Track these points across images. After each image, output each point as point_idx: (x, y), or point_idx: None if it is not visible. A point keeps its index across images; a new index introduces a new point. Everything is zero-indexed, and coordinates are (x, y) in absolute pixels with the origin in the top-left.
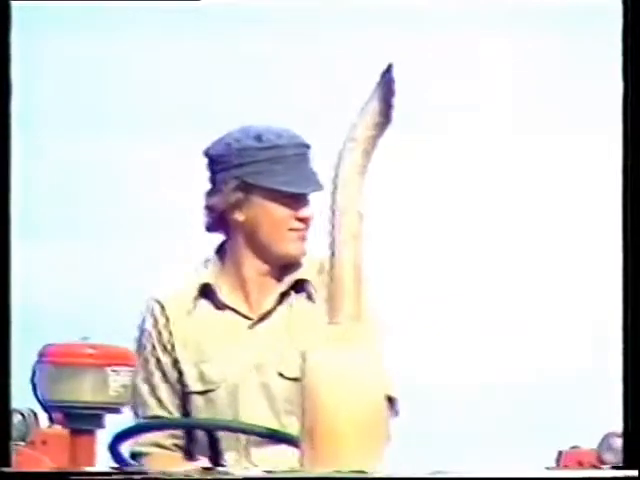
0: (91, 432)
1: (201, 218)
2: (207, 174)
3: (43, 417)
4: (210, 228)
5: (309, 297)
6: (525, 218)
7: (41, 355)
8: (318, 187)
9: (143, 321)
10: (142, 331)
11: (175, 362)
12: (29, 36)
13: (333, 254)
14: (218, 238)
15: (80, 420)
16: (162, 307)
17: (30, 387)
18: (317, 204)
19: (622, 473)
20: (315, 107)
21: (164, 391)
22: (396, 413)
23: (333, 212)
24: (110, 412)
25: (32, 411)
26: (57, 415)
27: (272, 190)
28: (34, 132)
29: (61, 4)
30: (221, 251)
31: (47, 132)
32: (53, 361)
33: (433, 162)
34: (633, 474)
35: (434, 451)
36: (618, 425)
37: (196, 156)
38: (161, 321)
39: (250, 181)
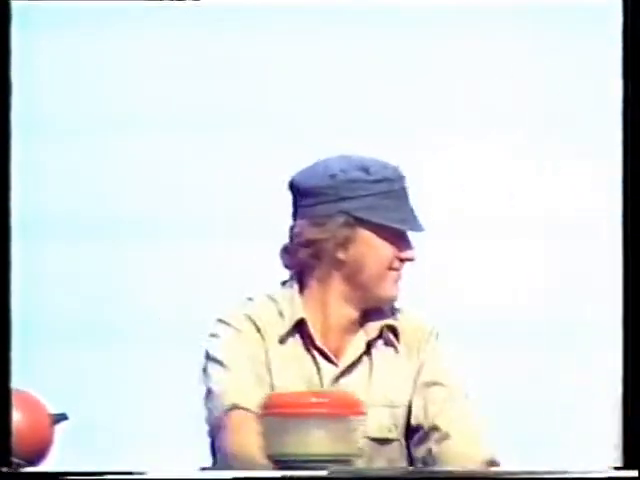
0: None
1: (279, 253)
2: (297, 206)
3: None
4: (296, 264)
5: (394, 347)
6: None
7: (265, 407)
8: (421, 226)
9: (218, 339)
10: (213, 351)
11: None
12: (29, 36)
13: None
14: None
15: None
16: (257, 327)
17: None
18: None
19: (622, 473)
20: (316, 108)
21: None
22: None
23: None
24: (343, 464)
25: None
26: None
27: (383, 227)
28: (34, 132)
29: (62, 4)
30: (300, 283)
31: (48, 132)
32: (280, 412)
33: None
34: (633, 474)
35: None
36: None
37: (207, 156)
38: (258, 341)
39: (361, 216)
